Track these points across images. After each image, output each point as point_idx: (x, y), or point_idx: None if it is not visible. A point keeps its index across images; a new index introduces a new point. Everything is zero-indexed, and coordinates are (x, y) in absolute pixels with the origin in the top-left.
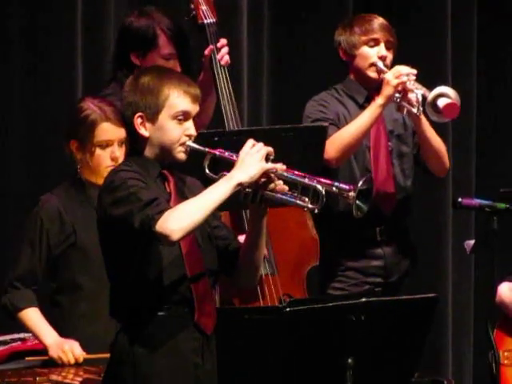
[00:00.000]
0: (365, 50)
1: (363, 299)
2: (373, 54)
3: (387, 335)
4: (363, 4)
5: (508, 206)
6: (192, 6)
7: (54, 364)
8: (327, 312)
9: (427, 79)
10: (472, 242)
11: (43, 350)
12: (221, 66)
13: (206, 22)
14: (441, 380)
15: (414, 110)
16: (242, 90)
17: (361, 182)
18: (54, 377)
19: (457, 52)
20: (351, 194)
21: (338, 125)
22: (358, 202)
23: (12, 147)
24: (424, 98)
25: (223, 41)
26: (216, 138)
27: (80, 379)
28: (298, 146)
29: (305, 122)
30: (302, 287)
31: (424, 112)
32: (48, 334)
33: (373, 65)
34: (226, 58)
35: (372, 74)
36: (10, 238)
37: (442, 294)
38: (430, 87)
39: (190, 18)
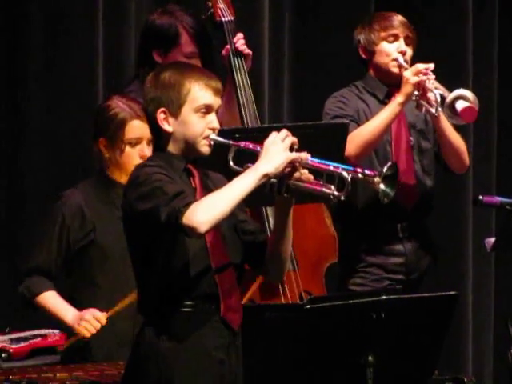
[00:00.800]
0: (384, 45)
1: (384, 296)
2: (393, 50)
3: (407, 332)
4: (384, 2)
5: None
6: (209, 4)
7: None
8: (347, 309)
9: (448, 78)
10: (492, 239)
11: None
12: (239, 64)
13: (223, 19)
14: (461, 378)
15: (433, 110)
16: (263, 89)
17: (386, 167)
18: (74, 373)
19: (478, 49)
20: (377, 179)
21: (358, 121)
22: (383, 187)
23: (33, 145)
24: (443, 98)
25: (239, 35)
26: (237, 135)
27: (100, 375)
28: (319, 144)
29: (324, 118)
30: (321, 284)
31: (442, 112)
32: (67, 311)
33: (393, 60)
34: (245, 48)
35: (393, 69)
36: (30, 233)
37: (462, 292)
38: (451, 86)
39: (207, 16)
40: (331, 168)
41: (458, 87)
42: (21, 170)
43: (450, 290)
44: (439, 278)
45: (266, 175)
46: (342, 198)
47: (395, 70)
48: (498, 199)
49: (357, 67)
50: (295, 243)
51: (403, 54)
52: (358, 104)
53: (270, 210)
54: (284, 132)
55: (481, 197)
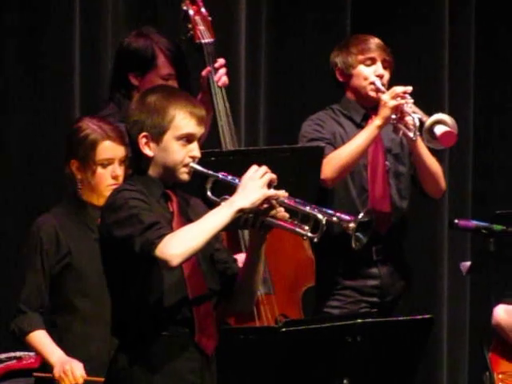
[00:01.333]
0: (361, 69)
1: (359, 320)
2: (370, 73)
3: (383, 356)
4: (360, 26)
5: (504, 227)
6: (189, 26)
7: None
8: (323, 332)
9: (423, 102)
10: (468, 263)
11: (38, 369)
12: (218, 86)
13: (203, 41)
14: None
15: (411, 134)
16: (240, 109)
17: (362, 214)
18: None
19: (454, 75)
20: (351, 225)
21: (335, 144)
22: (357, 233)
23: (8, 168)
24: (421, 122)
25: (221, 61)
26: (213, 158)
27: None
28: (295, 167)
29: (301, 141)
30: (298, 307)
31: (420, 136)
32: (53, 353)
33: (370, 84)
34: (224, 79)
35: (370, 92)
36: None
37: (438, 315)
38: (427, 110)
39: (187, 38)
40: (307, 209)
41: (435, 110)
42: None
43: (426, 313)
44: (414, 301)
45: (241, 210)
46: (316, 240)
47: (372, 93)
48: (474, 223)
49: (334, 89)
50: (272, 266)
51: (380, 77)
52: (334, 127)
53: (246, 231)
54: (263, 168)
55: (456, 220)
